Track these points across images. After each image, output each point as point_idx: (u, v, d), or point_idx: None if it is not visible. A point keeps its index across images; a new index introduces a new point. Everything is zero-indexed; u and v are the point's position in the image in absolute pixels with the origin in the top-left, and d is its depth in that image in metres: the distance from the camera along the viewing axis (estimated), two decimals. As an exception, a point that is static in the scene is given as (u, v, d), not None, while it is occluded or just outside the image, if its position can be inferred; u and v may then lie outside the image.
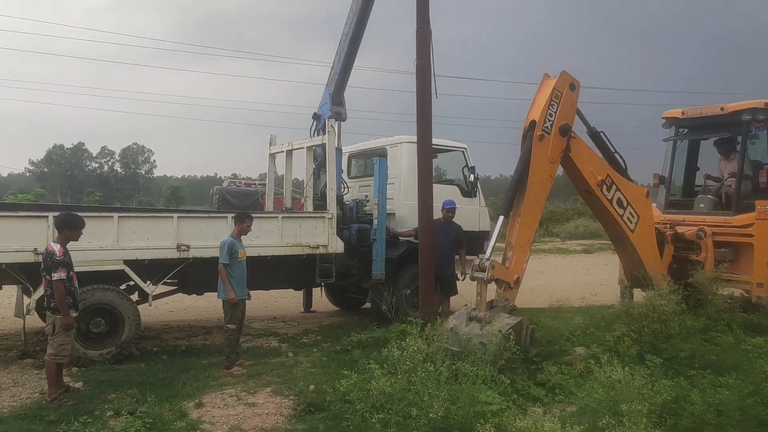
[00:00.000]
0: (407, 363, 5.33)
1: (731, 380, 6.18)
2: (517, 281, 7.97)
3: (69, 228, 7.09)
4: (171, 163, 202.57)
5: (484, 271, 7.55)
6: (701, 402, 5.80)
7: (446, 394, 4.98)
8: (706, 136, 11.48)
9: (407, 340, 5.77)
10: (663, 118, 11.64)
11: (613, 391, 5.41)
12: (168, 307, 12.06)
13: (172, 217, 9.08)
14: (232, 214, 8.97)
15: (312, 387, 7.35)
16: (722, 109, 10.53)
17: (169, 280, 9.48)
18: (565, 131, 8.44)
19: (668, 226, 10.51)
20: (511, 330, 7.03)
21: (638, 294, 11.10)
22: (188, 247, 8.95)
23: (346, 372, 5.48)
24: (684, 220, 10.76)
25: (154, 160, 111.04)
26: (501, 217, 8.24)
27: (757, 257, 9.76)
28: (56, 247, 6.91)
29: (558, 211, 39.02)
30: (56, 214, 7.63)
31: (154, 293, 9.17)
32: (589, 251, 26.25)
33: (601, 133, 9.27)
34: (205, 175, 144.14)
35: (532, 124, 8.37)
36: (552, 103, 8.36)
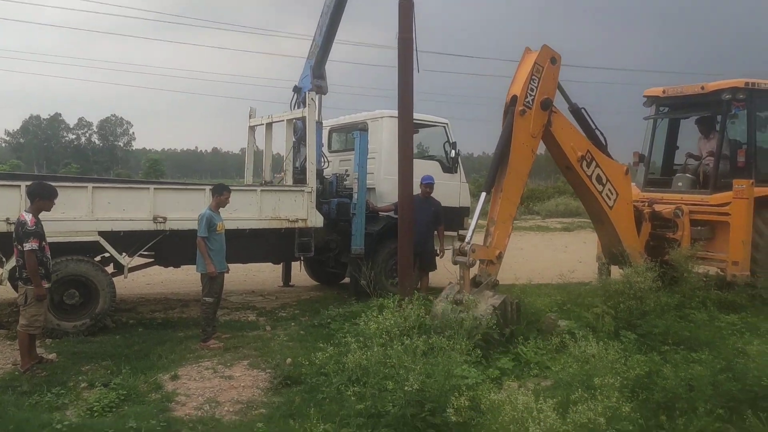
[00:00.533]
0: (383, 336, 5.31)
1: (704, 356, 6.24)
2: (500, 256, 8.00)
3: (41, 198, 6.96)
4: (150, 136, 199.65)
5: (466, 256, 7.56)
6: (673, 377, 5.86)
7: (422, 368, 4.97)
8: (687, 115, 11.53)
9: (384, 313, 5.75)
10: (644, 96, 11.66)
11: (587, 366, 5.45)
12: (145, 279, 11.95)
13: (148, 188, 8.96)
14: (210, 187, 8.86)
15: (289, 360, 7.33)
16: (703, 88, 10.56)
17: (145, 253, 9.38)
18: (547, 105, 8.41)
19: (646, 204, 10.58)
20: (497, 311, 7.07)
21: (615, 271, 11.22)
22: (165, 219, 8.84)
23: (322, 345, 5.45)
24: (662, 198, 10.83)
25: (133, 133, 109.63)
26: (483, 194, 8.23)
27: (732, 236, 9.86)
28: (28, 217, 6.79)
29: (539, 189, 39.22)
30: (29, 183, 7.47)
31: (129, 265, 9.08)
32: (568, 229, 26.39)
33: (582, 110, 9.26)
34: (185, 149, 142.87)
35: (514, 98, 8.32)
36: (533, 77, 8.31)
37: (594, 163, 8.97)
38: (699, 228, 10.29)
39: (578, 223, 28.42)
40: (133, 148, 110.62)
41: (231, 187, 8.72)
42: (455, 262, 7.85)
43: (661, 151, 11.92)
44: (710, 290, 9.37)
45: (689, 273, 9.23)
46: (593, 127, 9.31)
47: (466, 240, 7.79)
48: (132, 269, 9.31)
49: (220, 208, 8.36)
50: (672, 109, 11.52)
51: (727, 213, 9.96)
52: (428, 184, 10.35)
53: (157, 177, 58.79)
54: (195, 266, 8.31)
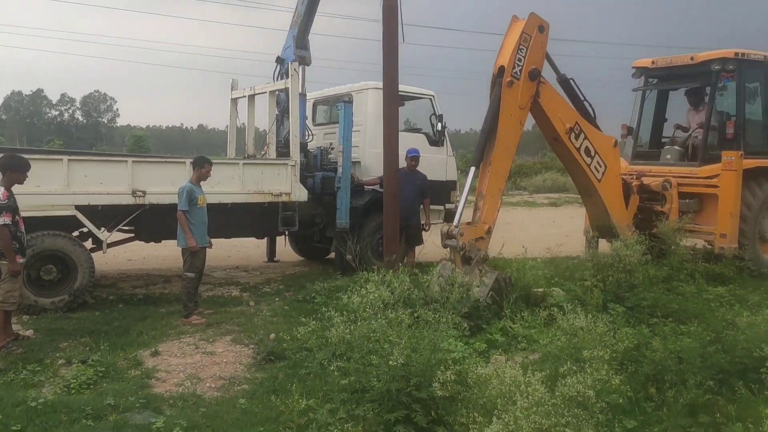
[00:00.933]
0: (367, 310, 5.17)
1: (693, 328, 6.16)
2: (489, 231, 7.88)
3: (12, 170, 6.73)
4: (135, 112, 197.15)
5: (454, 238, 7.46)
6: (662, 349, 5.78)
7: (407, 342, 4.84)
8: (676, 87, 11.38)
9: (368, 287, 5.60)
10: (633, 67, 11.50)
11: (575, 339, 5.35)
12: (126, 255, 11.74)
13: (126, 161, 8.72)
14: (190, 160, 8.64)
15: (272, 335, 7.22)
16: (692, 58, 10.41)
17: (125, 228, 9.17)
18: (535, 76, 8.22)
19: (634, 176, 10.47)
20: (491, 292, 7.01)
21: (603, 245, 11.14)
22: (144, 192, 8.62)
23: (304, 320, 5.30)
24: (650, 171, 10.72)
25: (117, 109, 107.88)
26: (472, 169, 8.06)
27: (721, 208, 9.79)
28: (0, 191, 6.56)
29: (526, 165, 39.02)
30: None
31: (108, 240, 8.88)
32: (556, 204, 26.36)
33: (571, 80, 9.08)
34: (170, 125, 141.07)
35: (501, 69, 8.13)
36: (521, 47, 8.11)
37: (582, 135, 8.82)
38: (687, 201, 10.21)
39: (565, 198, 28.38)
40: (118, 125, 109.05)
41: (213, 161, 8.50)
42: (445, 246, 7.74)
43: (649, 123, 11.78)
44: (698, 263, 9.30)
45: (677, 246, 9.14)
46: (582, 98, 9.14)
47: (454, 222, 7.66)
48: (111, 244, 9.09)
49: (201, 182, 8.16)
50: (661, 80, 11.37)
51: (716, 185, 9.88)
52: (414, 157, 10.18)
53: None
54: (176, 241, 8.12)
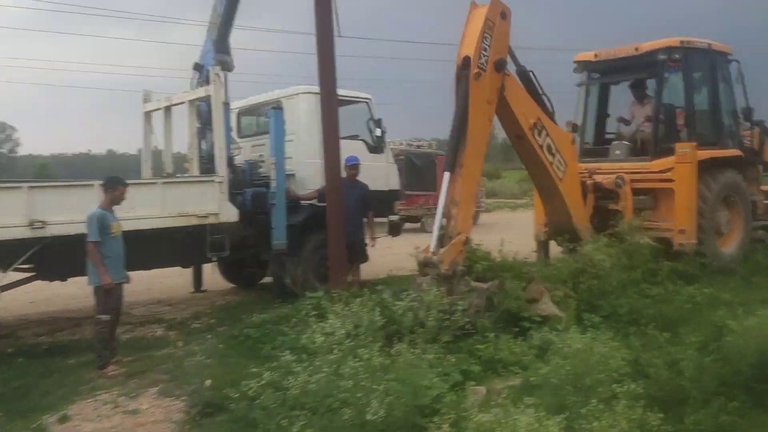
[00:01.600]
0: (333, 349, 4.20)
1: (693, 337, 5.52)
2: (466, 242, 7.09)
3: None
4: (37, 140, 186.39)
5: (435, 266, 6.63)
6: (662, 366, 5.12)
7: (385, 387, 3.92)
8: (620, 79, 10.99)
9: (329, 319, 4.62)
10: (574, 62, 11.04)
11: (569, 363, 4.56)
12: (27, 297, 10.21)
13: (20, 187, 7.39)
14: (99, 182, 7.41)
15: (208, 382, 6.11)
16: (637, 49, 10.02)
17: (23, 265, 7.81)
18: (501, 66, 7.55)
19: (587, 174, 9.93)
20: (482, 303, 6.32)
21: (554, 249, 10.57)
22: (44, 223, 7.34)
23: (254, 369, 4.27)
24: (600, 168, 10.22)
25: (18, 138, 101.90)
26: (447, 174, 7.19)
27: (677, 203, 9.37)
28: None
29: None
30: None
31: (3, 282, 7.51)
32: (488, 210, 26.07)
33: (531, 72, 8.41)
34: (77, 152, 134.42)
35: (466, 60, 7.36)
36: (485, 35, 7.39)
37: (545, 132, 8.19)
38: (642, 197, 9.74)
39: (496, 204, 28.31)
40: (19, 155, 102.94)
41: (127, 181, 7.32)
42: (424, 275, 6.81)
43: (593, 119, 11.33)
44: (661, 262, 8.81)
45: (640, 246, 8.60)
46: (541, 92, 8.49)
47: (431, 247, 6.81)
48: (7, 287, 7.72)
49: (115, 206, 6.99)
50: (604, 74, 10.95)
51: (671, 179, 9.45)
52: (354, 165, 9.27)
53: (47, 182, 54.65)
54: (86, 278, 6.90)
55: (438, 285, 6.46)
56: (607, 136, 11.40)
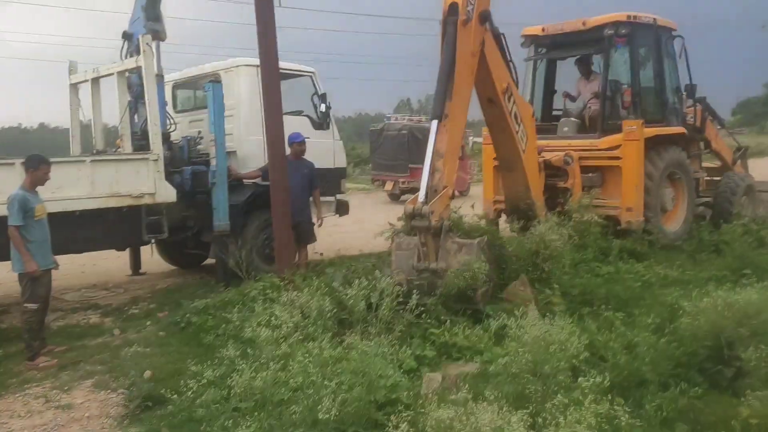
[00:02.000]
0: (281, 343, 3.90)
1: (649, 319, 5.45)
2: (451, 195, 6.87)
3: None
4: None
5: (423, 217, 6.30)
6: (619, 349, 5.04)
7: (336, 381, 3.66)
8: (568, 54, 10.86)
9: (275, 309, 4.31)
10: (522, 36, 10.84)
11: (533, 350, 4.40)
12: (-52, 283, 9.50)
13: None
14: (21, 160, 6.83)
15: (148, 373, 5.82)
16: (584, 23, 9.88)
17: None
18: (486, 18, 7.32)
19: (538, 152, 9.81)
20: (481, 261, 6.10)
21: (503, 226, 10.47)
22: (-41, 205, 6.71)
23: (195, 368, 3.94)
24: (548, 145, 10.12)
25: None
26: (434, 122, 6.83)
27: (625, 181, 9.35)
28: None
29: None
30: None
31: None
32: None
33: (502, 35, 8.13)
34: (7, 126, 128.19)
35: (453, 7, 7.07)
36: None
37: (512, 99, 8.03)
38: (590, 175, 9.68)
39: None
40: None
41: (51, 159, 6.76)
42: (412, 228, 6.52)
43: (540, 95, 11.21)
44: (610, 240, 8.79)
45: (590, 224, 8.54)
46: (509, 58, 8.26)
47: (420, 197, 6.45)
48: None
49: (38, 187, 6.46)
50: (551, 48, 10.80)
51: (618, 156, 9.42)
52: (300, 142, 8.89)
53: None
54: (10, 264, 6.38)
55: (426, 238, 6.28)
56: (554, 113, 11.33)
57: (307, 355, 3.81)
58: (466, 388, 4.15)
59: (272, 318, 4.26)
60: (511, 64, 8.31)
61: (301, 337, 4.05)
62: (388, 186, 22.03)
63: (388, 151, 22.01)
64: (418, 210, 6.37)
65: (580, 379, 3.73)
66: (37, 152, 6.73)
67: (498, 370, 4.31)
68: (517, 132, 8.22)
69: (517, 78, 8.45)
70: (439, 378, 5.19)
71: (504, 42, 8.17)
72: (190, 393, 3.72)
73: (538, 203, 8.65)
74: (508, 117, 8.06)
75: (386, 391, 4.19)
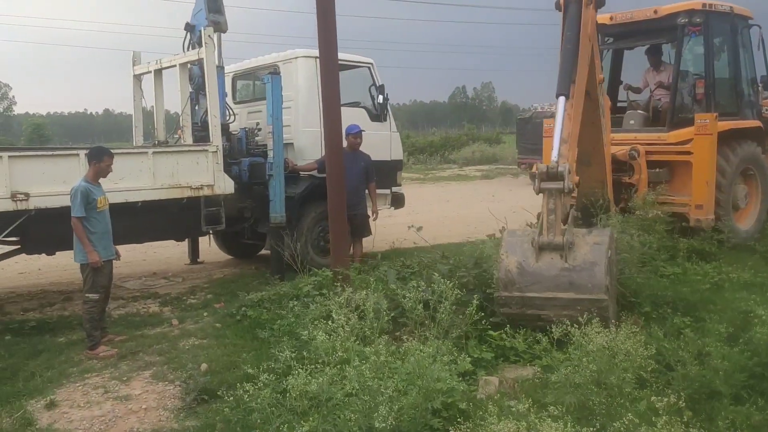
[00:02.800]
0: (338, 350, 3.83)
1: (720, 327, 5.15)
2: (578, 183, 6.30)
3: None
4: (34, 99, 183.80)
5: (558, 180, 5.68)
6: (690, 359, 4.77)
7: (395, 389, 3.56)
8: (636, 44, 10.42)
9: (333, 313, 4.24)
10: (588, 25, 10.44)
11: (599, 361, 4.20)
12: (17, 267, 9.83)
13: (1, 156, 6.93)
14: (85, 150, 6.97)
15: (204, 366, 5.84)
16: (656, 12, 9.45)
17: (7, 239, 7.41)
18: (601, 4, 7.19)
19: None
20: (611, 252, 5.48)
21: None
22: (27, 195, 6.93)
23: (251, 371, 3.90)
24: (613, 139, 9.74)
25: (13, 96, 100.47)
26: (561, 99, 6.40)
27: (695, 177, 8.92)
28: None
29: (452, 137, 38.30)
30: None
31: (-14, 256, 7.12)
32: (489, 177, 25.66)
33: None
34: (73, 111, 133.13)
35: None
36: None
37: (603, 92, 7.94)
38: (657, 170, 9.29)
39: (498, 170, 27.80)
40: (15, 113, 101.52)
41: (114, 151, 6.87)
42: (541, 190, 5.81)
43: (606, 86, 10.78)
44: (677, 239, 8.42)
45: (660, 221, 8.19)
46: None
47: (553, 157, 5.87)
48: (-8, 261, 7.34)
49: (101, 179, 6.55)
50: (619, 38, 10.39)
51: (689, 151, 8.99)
52: (357, 133, 8.82)
53: (42, 143, 53.94)
54: (73, 254, 6.51)
55: (556, 204, 5.64)
56: (619, 105, 10.91)
57: (364, 359, 3.72)
58: (524, 396, 4.02)
59: (328, 321, 4.19)
60: None
61: (356, 341, 3.97)
62: (534, 168, 22.35)
63: (535, 137, 22.24)
64: (552, 168, 5.74)
65: (653, 398, 3.50)
66: (102, 138, 6.87)
67: (560, 379, 4.12)
68: (604, 126, 8.01)
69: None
70: (495, 382, 5.05)
71: None
72: (246, 397, 3.66)
73: (611, 198, 8.38)
74: (601, 109, 7.82)
75: (442, 396, 4.08)
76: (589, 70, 7.24)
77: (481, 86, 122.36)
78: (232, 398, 3.96)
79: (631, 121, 9.94)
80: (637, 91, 10.43)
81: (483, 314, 5.30)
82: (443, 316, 4.36)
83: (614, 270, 5.82)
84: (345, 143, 8.50)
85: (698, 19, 9.07)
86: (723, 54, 9.69)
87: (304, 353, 4.16)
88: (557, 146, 6.06)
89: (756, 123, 9.77)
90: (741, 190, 9.56)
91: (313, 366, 3.73)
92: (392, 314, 4.52)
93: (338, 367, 3.75)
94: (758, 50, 10.11)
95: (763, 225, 9.79)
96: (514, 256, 5.74)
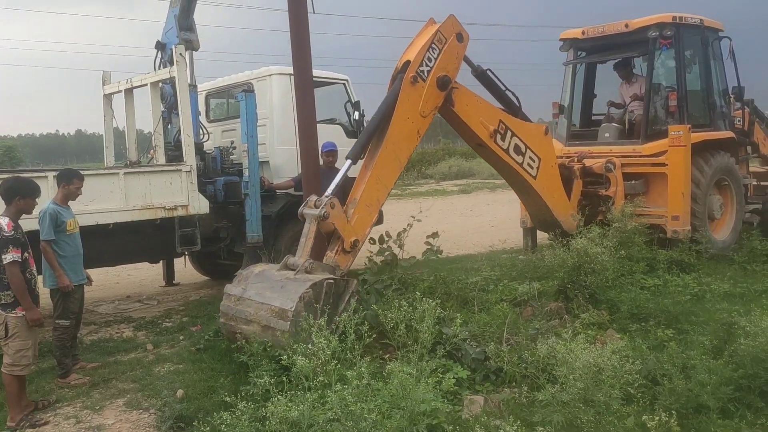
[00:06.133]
0: (318, 374, 3.69)
1: (704, 338, 5.12)
2: (355, 244, 6.39)
3: (21, 196, 5.50)
4: (4, 121, 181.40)
5: (322, 210, 6.12)
6: (675, 372, 4.73)
7: (378, 409, 3.44)
8: (609, 58, 10.50)
9: (313, 336, 4.11)
10: (560, 39, 10.54)
11: (585, 378, 4.12)
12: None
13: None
14: (54, 172, 6.77)
15: (180, 392, 5.67)
16: (627, 26, 9.53)
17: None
18: (444, 84, 7.05)
19: (575, 159, 9.50)
20: (310, 291, 5.60)
21: (542, 236, 10.19)
22: (-8, 218, 6.67)
23: (228, 398, 3.74)
24: (590, 151, 9.79)
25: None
26: (348, 162, 6.67)
27: (671, 188, 8.97)
28: (3, 222, 5.27)
29: (429, 152, 38.36)
30: None
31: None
32: (466, 191, 25.66)
33: (488, 71, 8.02)
34: (45, 133, 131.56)
35: (406, 65, 6.91)
36: (433, 46, 6.97)
37: (509, 133, 7.78)
38: (633, 182, 9.33)
39: (474, 185, 27.86)
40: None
41: (84, 172, 6.70)
42: (302, 216, 6.34)
43: (580, 100, 10.87)
44: (655, 250, 8.43)
45: (637, 233, 8.21)
46: (503, 88, 8.11)
47: (327, 192, 6.30)
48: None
49: (70, 201, 6.36)
50: (591, 52, 10.47)
51: (664, 163, 9.04)
52: (331, 151, 8.71)
53: (13, 166, 53.01)
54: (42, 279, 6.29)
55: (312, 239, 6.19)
56: (594, 118, 10.98)
57: (346, 384, 3.59)
58: (511, 416, 3.92)
59: (308, 344, 4.05)
60: (508, 92, 8.18)
61: (338, 365, 3.84)
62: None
63: None
64: (318, 201, 6.23)
65: (645, 417, 3.43)
66: (74, 159, 6.72)
67: (546, 397, 4.03)
68: (521, 163, 8.00)
69: (519, 104, 8.24)
70: (480, 401, 4.95)
71: (493, 76, 8.10)
72: (223, 427, 3.51)
73: (564, 218, 8.45)
74: (503, 155, 7.84)
75: (427, 418, 3.97)
76: (464, 132, 7.69)
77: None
78: (208, 428, 3.78)
79: (606, 134, 9.98)
80: (620, 107, 10.50)
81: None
82: (425, 335, 4.25)
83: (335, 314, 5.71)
84: (321, 161, 8.42)
85: (669, 32, 9.15)
86: (694, 66, 9.78)
87: (284, 378, 4.03)
88: (334, 185, 6.45)
89: (729, 134, 9.87)
90: (716, 201, 9.61)
91: (293, 391, 3.59)
92: (373, 335, 4.38)
93: (319, 391, 3.61)
94: (729, 61, 10.23)
95: (740, 235, 9.84)
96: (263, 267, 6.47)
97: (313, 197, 6.34)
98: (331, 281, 5.84)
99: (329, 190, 6.36)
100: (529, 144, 8.09)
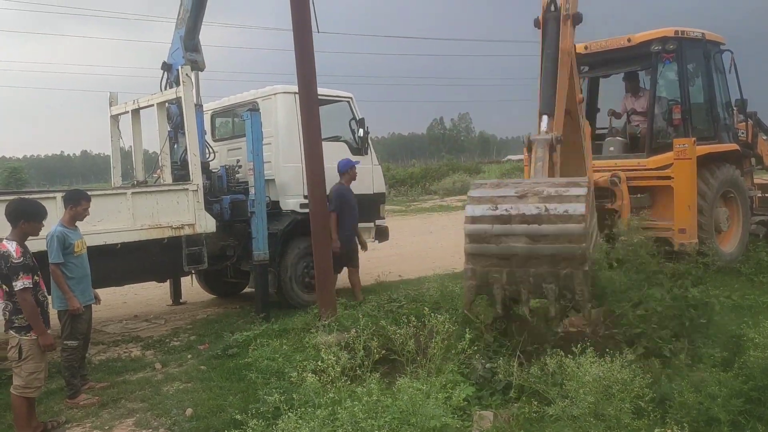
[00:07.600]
0: (328, 390, 3.70)
1: (714, 352, 5.10)
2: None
3: (26, 219, 5.44)
4: (9, 142, 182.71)
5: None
6: (687, 389, 4.70)
7: (388, 426, 3.44)
8: (611, 72, 10.56)
9: (322, 352, 4.11)
10: (563, 55, 10.57)
11: (595, 392, 4.11)
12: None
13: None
14: (61, 194, 6.82)
15: (189, 411, 5.67)
16: (629, 40, 9.59)
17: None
18: (578, 20, 7.02)
19: (582, 173, 9.51)
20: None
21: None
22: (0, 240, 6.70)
23: (237, 416, 3.74)
24: (594, 165, 9.79)
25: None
26: (545, 117, 6.52)
27: (677, 201, 8.97)
28: (11, 246, 5.27)
29: (433, 168, 38.48)
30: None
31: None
32: (471, 207, 25.66)
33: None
34: (50, 154, 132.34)
35: (552, 3, 6.85)
36: None
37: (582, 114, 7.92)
38: (638, 195, 9.33)
39: (479, 200, 27.80)
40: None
41: (91, 193, 6.74)
42: (530, 141, 6.33)
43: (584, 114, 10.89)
44: (662, 264, 8.39)
45: (644, 245, 8.17)
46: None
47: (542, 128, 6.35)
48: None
49: (77, 222, 6.39)
50: (594, 66, 10.52)
51: (669, 176, 9.05)
52: (354, 166, 8.92)
53: (18, 187, 53.29)
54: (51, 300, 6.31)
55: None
56: (598, 132, 11.01)
57: (356, 401, 3.59)
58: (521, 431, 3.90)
59: (318, 361, 4.06)
60: None
61: (348, 381, 3.84)
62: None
63: None
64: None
65: (656, 431, 3.41)
66: (80, 179, 6.77)
67: (557, 412, 4.02)
68: (585, 149, 7.95)
69: None
70: (490, 417, 4.92)
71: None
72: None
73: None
74: (581, 131, 7.77)
75: (437, 433, 3.96)
76: (569, 86, 7.25)
77: (458, 117, 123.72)
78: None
79: (611, 148, 10.01)
80: (618, 116, 10.54)
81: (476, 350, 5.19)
82: (435, 352, 4.24)
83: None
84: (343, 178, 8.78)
85: (671, 46, 9.21)
86: (697, 79, 9.83)
87: (294, 395, 4.03)
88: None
89: (733, 146, 9.88)
90: (722, 213, 9.62)
91: (303, 409, 3.59)
92: (383, 352, 4.38)
93: (329, 408, 3.61)
94: (731, 74, 10.27)
95: (746, 247, 9.82)
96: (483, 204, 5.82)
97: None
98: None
99: (544, 124, 6.38)
100: (587, 134, 8.22)
